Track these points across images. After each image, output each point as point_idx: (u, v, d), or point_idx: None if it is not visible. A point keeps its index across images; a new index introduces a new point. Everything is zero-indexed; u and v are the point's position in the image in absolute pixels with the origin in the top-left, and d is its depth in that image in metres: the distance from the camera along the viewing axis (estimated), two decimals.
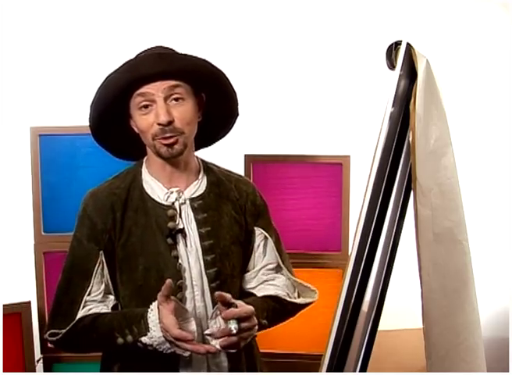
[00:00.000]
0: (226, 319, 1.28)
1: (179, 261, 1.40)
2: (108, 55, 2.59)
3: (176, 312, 1.29)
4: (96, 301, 1.41)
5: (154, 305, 1.31)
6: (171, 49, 1.45)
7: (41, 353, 2.15)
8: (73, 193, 2.11)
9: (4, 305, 1.94)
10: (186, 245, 1.43)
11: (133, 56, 1.42)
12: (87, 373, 2.11)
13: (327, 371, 1.17)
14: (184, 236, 1.43)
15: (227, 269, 1.45)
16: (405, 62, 1.26)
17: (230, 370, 1.44)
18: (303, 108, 2.72)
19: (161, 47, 1.45)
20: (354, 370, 1.18)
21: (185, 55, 1.40)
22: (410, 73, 1.26)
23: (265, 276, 1.55)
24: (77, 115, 2.43)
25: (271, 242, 1.56)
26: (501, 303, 2.71)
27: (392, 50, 1.31)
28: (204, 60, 1.39)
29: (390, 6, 2.74)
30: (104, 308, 1.42)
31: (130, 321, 1.33)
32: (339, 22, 2.74)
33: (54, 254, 2.11)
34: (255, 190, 1.59)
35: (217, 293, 1.30)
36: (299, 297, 1.56)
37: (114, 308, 1.44)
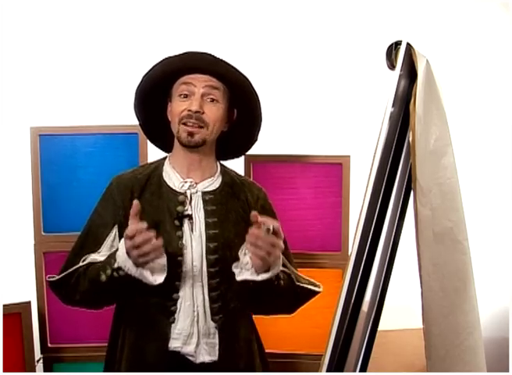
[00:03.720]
0: (264, 223, 1.38)
1: (182, 240, 1.53)
2: (108, 55, 2.59)
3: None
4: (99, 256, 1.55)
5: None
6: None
7: (41, 353, 2.14)
8: (73, 193, 2.12)
9: (4, 305, 1.94)
10: (191, 230, 1.55)
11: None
12: (87, 373, 2.11)
13: (327, 371, 1.17)
14: (191, 221, 1.55)
15: (228, 258, 1.55)
16: (405, 62, 1.26)
17: (220, 352, 1.54)
18: (303, 108, 2.72)
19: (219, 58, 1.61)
20: (354, 370, 1.18)
21: (235, 68, 1.59)
22: (410, 73, 1.27)
23: None
24: (77, 115, 2.46)
25: None
26: (501, 303, 2.71)
27: (392, 50, 1.31)
28: (248, 79, 1.60)
29: (390, 6, 2.74)
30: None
31: (110, 257, 1.48)
32: (340, 22, 2.73)
33: (54, 254, 2.10)
34: (266, 196, 1.72)
35: (253, 213, 1.43)
36: None
37: None
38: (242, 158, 2.11)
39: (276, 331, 2.17)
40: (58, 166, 2.12)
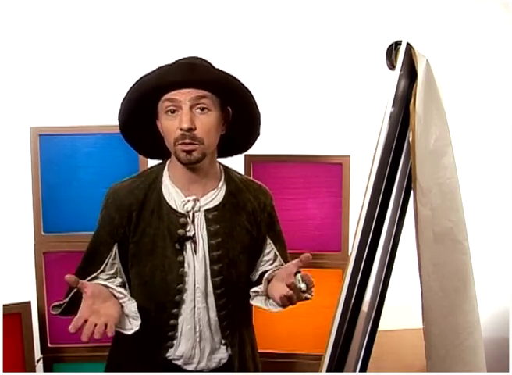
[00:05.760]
0: (302, 280, 1.31)
1: (184, 266, 1.47)
2: (108, 55, 2.59)
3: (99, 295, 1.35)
4: (103, 279, 1.50)
5: None
6: (207, 61, 1.50)
7: (41, 353, 2.14)
8: (73, 193, 2.12)
9: (4, 305, 1.94)
10: (194, 251, 1.49)
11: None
12: (87, 373, 2.11)
13: (327, 371, 1.17)
14: (194, 242, 1.49)
15: (233, 277, 1.52)
16: (405, 62, 1.26)
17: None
18: (303, 108, 2.72)
19: (197, 58, 1.50)
20: (354, 370, 1.18)
21: (217, 69, 1.45)
22: (410, 73, 1.27)
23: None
24: (77, 115, 2.46)
25: (278, 252, 1.64)
26: (501, 303, 2.71)
27: (392, 50, 1.31)
28: (233, 76, 1.43)
29: (390, 6, 2.74)
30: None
31: None
32: (340, 22, 2.73)
33: (54, 254, 2.11)
34: (272, 200, 1.65)
35: (306, 255, 1.33)
36: None
37: (119, 286, 1.51)
38: (242, 158, 2.12)
39: (276, 331, 2.17)
40: (58, 166, 2.12)
